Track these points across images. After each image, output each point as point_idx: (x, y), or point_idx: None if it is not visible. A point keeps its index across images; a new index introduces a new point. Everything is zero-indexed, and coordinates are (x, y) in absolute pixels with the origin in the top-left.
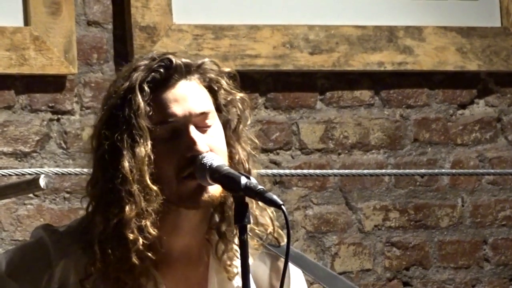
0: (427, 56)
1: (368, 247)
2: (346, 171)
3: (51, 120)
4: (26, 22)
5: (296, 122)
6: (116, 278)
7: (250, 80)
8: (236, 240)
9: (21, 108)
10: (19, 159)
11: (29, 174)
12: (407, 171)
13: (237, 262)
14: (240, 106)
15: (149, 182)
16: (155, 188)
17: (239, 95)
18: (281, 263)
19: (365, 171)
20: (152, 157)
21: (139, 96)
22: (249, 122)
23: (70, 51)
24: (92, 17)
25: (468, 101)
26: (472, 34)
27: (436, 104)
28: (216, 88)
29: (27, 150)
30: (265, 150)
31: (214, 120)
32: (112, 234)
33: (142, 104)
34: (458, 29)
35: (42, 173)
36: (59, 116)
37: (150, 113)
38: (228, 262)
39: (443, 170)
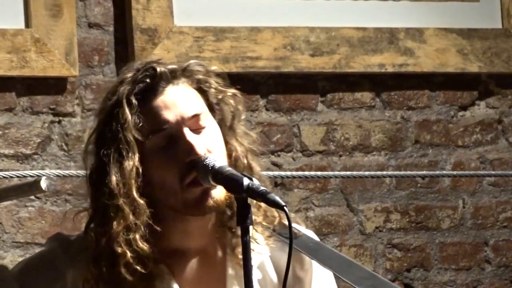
0: (428, 58)
1: (369, 249)
2: (347, 172)
3: (52, 122)
4: (27, 24)
5: (297, 124)
6: None
7: (251, 82)
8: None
9: (22, 110)
10: (20, 161)
11: (31, 176)
12: (408, 172)
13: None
14: (233, 102)
15: (136, 195)
16: (142, 201)
17: (230, 91)
18: (301, 253)
19: (366, 173)
20: (140, 170)
21: (127, 110)
22: (243, 117)
23: (71, 53)
24: (93, 19)
25: (469, 103)
26: (473, 36)
27: (437, 105)
28: (205, 89)
29: (28, 152)
30: (266, 152)
31: (207, 121)
32: (104, 250)
33: (129, 117)
34: (459, 30)
35: (44, 175)
36: (60, 118)
37: (141, 125)
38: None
39: (444, 172)
